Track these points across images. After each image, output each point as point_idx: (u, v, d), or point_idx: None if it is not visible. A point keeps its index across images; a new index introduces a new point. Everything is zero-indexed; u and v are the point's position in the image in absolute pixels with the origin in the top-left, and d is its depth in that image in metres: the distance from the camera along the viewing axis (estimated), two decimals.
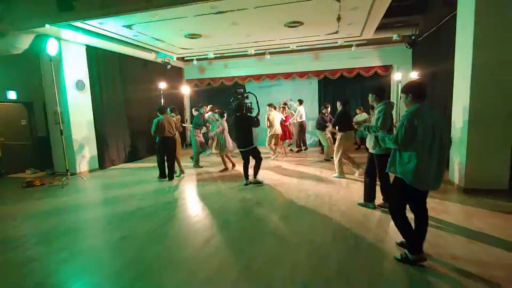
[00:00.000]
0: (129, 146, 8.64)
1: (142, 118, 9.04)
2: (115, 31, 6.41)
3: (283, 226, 3.62)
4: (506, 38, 4.21)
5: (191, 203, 4.83)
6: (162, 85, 9.43)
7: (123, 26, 6.04)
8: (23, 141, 7.70)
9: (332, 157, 6.82)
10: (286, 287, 2.40)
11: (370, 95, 3.81)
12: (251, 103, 6.78)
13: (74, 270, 2.80)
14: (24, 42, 6.08)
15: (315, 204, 4.34)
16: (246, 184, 5.48)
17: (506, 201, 4.12)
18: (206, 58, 9.85)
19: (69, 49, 6.74)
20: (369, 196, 4.08)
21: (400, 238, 2.87)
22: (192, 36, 6.85)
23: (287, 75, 10.39)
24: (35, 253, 3.12)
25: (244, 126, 5.43)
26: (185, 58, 10.41)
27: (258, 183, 5.49)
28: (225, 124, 6.72)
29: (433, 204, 3.94)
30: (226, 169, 6.86)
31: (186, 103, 11.72)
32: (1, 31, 5.62)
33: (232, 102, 6.40)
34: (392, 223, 2.78)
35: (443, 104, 6.03)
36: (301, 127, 9.22)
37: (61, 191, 5.61)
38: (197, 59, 10.05)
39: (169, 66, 9.64)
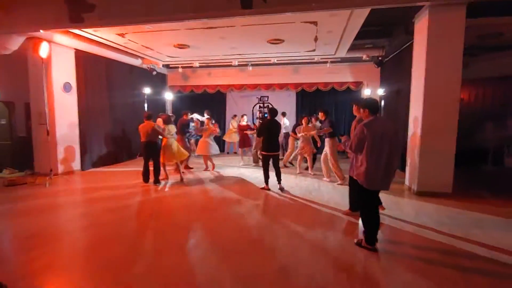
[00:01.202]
0: (112, 149, 8.78)
1: (125, 122, 9.24)
2: (107, 37, 6.71)
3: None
4: (450, 65, 5.07)
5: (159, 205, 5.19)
6: (147, 90, 9.71)
7: (116, 34, 6.36)
8: (2, 141, 7.65)
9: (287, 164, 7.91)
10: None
11: (362, 109, 3.19)
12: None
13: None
14: (15, 43, 6.21)
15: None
16: (263, 188, 5.67)
17: (449, 201, 4.89)
18: (191, 66, 10.28)
19: (59, 52, 6.92)
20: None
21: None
22: (181, 46, 7.29)
23: (267, 86, 11.03)
24: None
25: (277, 131, 5.64)
26: (170, 66, 10.76)
27: (283, 189, 5.60)
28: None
29: (390, 203, 4.64)
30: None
31: (169, 108, 12.00)
32: None
33: (263, 108, 6.81)
34: None
35: (404, 117, 6.89)
36: (286, 138, 9.74)
37: (44, 190, 5.71)
38: (182, 67, 10.45)
39: (154, 73, 9.96)
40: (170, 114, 7.05)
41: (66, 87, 7.17)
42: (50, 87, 6.83)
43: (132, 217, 4.40)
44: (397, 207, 4.64)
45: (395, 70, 8.07)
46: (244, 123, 8.74)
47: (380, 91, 9.03)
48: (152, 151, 6.15)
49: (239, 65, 10.15)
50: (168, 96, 11.37)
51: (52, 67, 6.81)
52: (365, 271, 2.79)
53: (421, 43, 5.35)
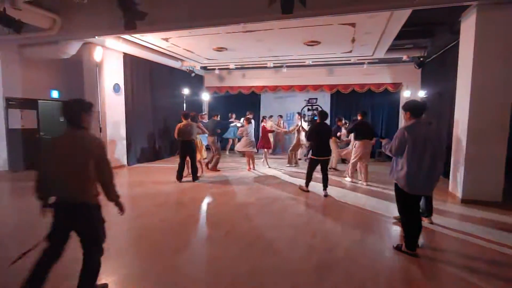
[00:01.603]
0: (153, 146, 9.36)
1: (166, 121, 9.80)
2: (153, 42, 7.20)
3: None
4: (499, 65, 4.78)
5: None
6: (186, 91, 10.20)
7: (161, 38, 6.81)
8: None
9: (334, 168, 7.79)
10: None
11: (404, 112, 3.20)
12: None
13: None
14: (73, 48, 6.91)
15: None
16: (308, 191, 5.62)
17: (498, 212, 4.59)
18: (228, 68, 10.60)
19: (110, 55, 7.56)
20: None
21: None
22: (220, 49, 7.60)
23: (302, 87, 11.05)
24: None
25: (328, 135, 5.57)
26: (207, 67, 11.18)
27: (327, 196, 5.41)
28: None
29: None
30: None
31: (205, 108, 12.47)
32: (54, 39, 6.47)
33: (311, 110, 6.91)
34: None
35: (447, 121, 6.57)
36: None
37: None
38: (219, 69, 10.82)
39: (193, 74, 10.44)
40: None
41: (116, 88, 7.79)
42: (102, 88, 7.48)
43: (177, 209, 4.72)
44: (439, 214, 4.47)
45: (438, 71, 7.70)
46: (268, 124, 8.86)
47: (421, 93, 8.65)
48: (189, 148, 6.44)
49: (274, 67, 10.28)
50: (205, 96, 11.83)
51: (104, 69, 7.46)
52: (405, 276, 2.77)
53: (468, 42, 5.09)
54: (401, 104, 9.95)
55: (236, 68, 10.85)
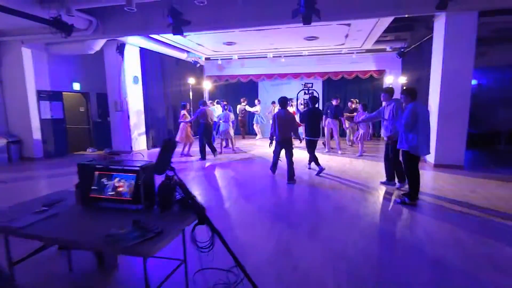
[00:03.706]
0: (166, 131, 10.29)
1: (176, 109, 10.69)
2: (171, 38, 8.05)
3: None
4: (463, 58, 6.10)
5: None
6: (191, 80, 11.07)
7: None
8: (83, 125, 9.27)
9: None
10: None
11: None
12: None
13: None
14: (99, 45, 7.66)
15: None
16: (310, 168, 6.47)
17: (460, 172, 6.06)
18: (230, 59, 11.52)
19: (129, 50, 8.34)
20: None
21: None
22: (229, 43, 8.54)
23: (296, 75, 12.16)
24: None
25: (319, 118, 6.19)
26: (211, 58, 12.02)
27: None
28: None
29: None
30: None
31: (206, 96, 13.36)
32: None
33: (307, 94, 7.73)
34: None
35: (425, 102, 7.93)
36: None
37: None
38: (221, 59, 11.72)
39: (198, 65, 11.29)
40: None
41: (135, 79, 8.62)
42: (124, 80, 8.29)
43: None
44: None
45: (416, 60, 9.02)
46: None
47: (402, 79, 10.00)
48: (211, 131, 7.61)
49: (273, 57, 11.31)
50: (207, 85, 12.71)
51: (125, 63, 8.25)
52: (411, 217, 4.07)
53: (439, 37, 6.36)
54: (384, 88, 11.37)
55: (238, 58, 11.77)
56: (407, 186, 4.41)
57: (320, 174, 5.95)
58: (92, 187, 2.22)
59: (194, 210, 2.04)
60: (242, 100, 11.34)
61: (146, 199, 2.15)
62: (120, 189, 2.17)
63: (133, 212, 2.10)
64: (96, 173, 2.25)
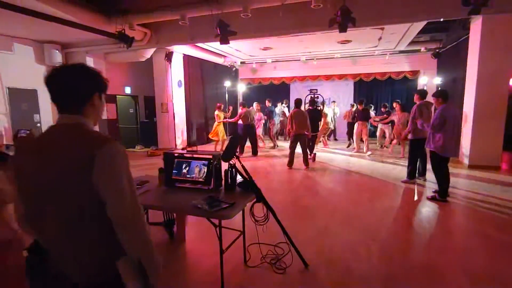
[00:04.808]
0: (205, 131, 11.07)
1: (213, 110, 11.43)
2: (212, 44, 8.78)
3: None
4: (500, 59, 6.11)
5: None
6: (227, 83, 11.77)
7: None
8: (132, 125, 10.31)
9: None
10: None
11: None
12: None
13: None
14: (149, 53, 8.56)
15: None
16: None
17: (495, 173, 6.07)
18: (265, 62, 12.06)
19: (175, 56, 9.19)
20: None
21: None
22: (266, 48, 9.09)
23: (328, 77, 12.43)
24: None
25: (316, 117, 7.58)
26: (245, 62, 12.67)
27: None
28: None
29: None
30: None
31: (240, 98, 14.03)
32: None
33: (314, 99, 8.45)
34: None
35: (459, 103, 7.92)
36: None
37: None
38: (256, 63, 12.32)
39: (234, 69, 11.97)
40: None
41: (179, 83, 9.46)
42: (170, 84, 9.16)
43: None
44: (454, 176, 5.88)
45: (452, 61, 8.94)
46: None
47: (437, 80, 9.92)
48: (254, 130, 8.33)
49: (306, 60, 11.69)
50: (241, 88, 13.38)
51: (172, 68, 9.11)
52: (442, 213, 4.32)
53: (476, 36, 6.41)
54: (418, 89, 11.29)
55: (272, 62, 12.29)
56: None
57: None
58: (173, 171, 2.83)
59: (253, 190, 2.57)
60: (284, 101, 11.74)
61: (216, 181, 2.72)
62: (195, 173, 2.76)
63: (205, 192, 2.67)
64: (176, 160, 2.86)
